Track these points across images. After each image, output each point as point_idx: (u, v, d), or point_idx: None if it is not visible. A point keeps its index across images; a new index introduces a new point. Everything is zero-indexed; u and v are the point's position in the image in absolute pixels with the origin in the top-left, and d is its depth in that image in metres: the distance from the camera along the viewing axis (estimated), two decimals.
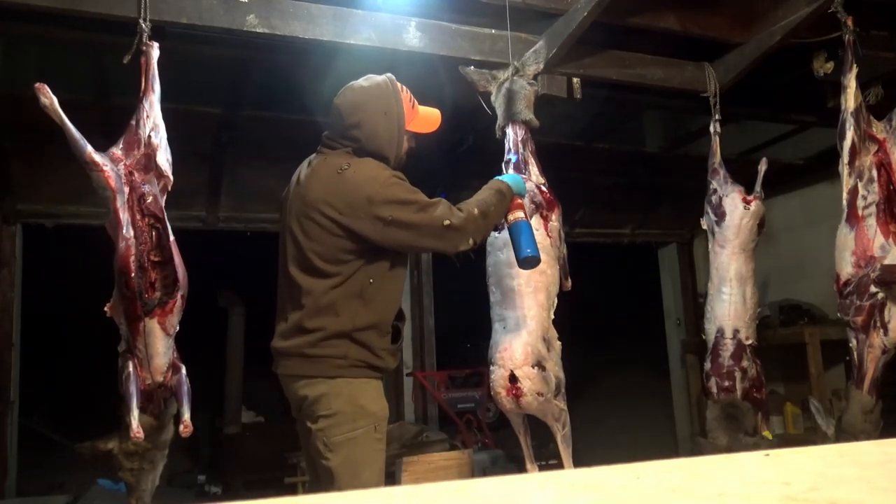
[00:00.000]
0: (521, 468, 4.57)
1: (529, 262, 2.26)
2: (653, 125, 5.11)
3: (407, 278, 5.03)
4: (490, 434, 5.37)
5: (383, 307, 2.16)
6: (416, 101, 2.33)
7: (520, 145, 2.92)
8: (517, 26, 3.10)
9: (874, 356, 3.02)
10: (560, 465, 2.84)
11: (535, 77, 3.01)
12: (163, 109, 2.54)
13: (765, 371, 3.54)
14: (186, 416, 2.48)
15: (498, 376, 2.66)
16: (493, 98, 3.02)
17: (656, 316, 6.55)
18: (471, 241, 2.15)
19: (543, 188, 2.89)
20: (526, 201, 2.51)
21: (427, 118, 2.37)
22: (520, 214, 2.30)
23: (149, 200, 2.45)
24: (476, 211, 2.16)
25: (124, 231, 2.35)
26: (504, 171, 2.89)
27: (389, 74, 2.28)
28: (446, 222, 2.10)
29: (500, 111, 2.98)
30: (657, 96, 3.85)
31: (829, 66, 3.24)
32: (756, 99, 4.04)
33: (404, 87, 2.28)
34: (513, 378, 2.61)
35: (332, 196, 2.10)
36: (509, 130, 2.96)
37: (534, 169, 2.93)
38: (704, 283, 4.68)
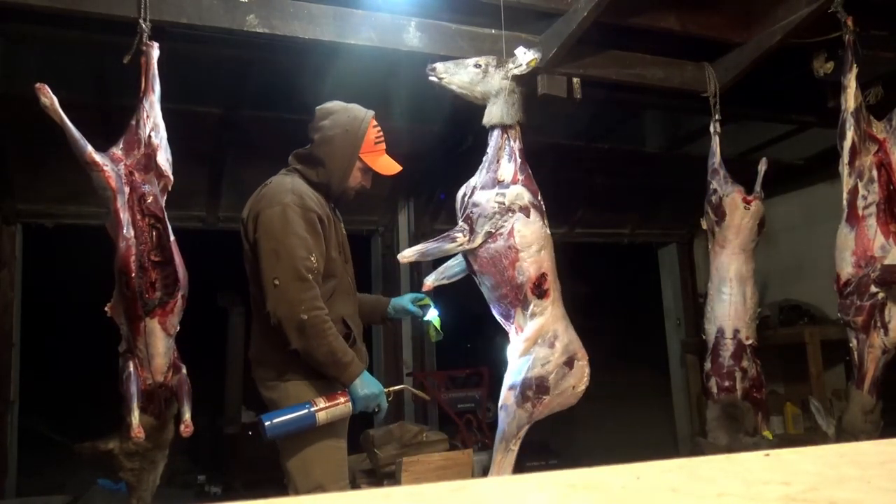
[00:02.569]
0: (521, 468, 4.57)
1: (259, 423, 2.08)
2: (653, 125, 5.12)
3: (408, 279, 5.03)
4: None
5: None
6: (384, 144, 2.39)
7: (491, 151, 2.83)
8: (517, 26, 3.10)
9: (874, 356, 3.02)
10: (560, 466, 2.84)
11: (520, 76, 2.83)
12: (163, 109, 2.54)
13: (765, 371, 3.54)
14: (187, 415, 2.48)
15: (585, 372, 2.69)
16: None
17: (656, 316, 6.55)
18: (276, 317, 2.09)
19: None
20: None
21: (386, 164, 2.40)
22: (319, 404, 2.09)
23: (149, 200, 2.45)
24: (304, 317, 2.06)
25: (125, 231, 2.35)
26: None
27: (372, 112, 2.39)
28: (275, 281, 2.09)
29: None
30: (657, 96, 3.85)
31: (829, 66, 3.24)
32: (756, 99, 4.05)
33: (378, 127, 2.37)
34: None
35: (247, 210, 2.26)
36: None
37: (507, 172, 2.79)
38: (704, 283, 4.68)
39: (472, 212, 2.68)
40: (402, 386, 2.55)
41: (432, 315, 2.56)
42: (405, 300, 2.63)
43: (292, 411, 2.10)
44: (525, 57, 2.77)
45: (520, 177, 2.77)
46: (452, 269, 2.74)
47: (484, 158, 2.83)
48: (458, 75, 2.76)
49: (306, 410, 2.08)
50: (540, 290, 2.69)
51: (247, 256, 2.30)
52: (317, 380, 2.20)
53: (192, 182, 4.20)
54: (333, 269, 2.27)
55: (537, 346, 2.69)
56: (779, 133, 4.79)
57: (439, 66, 2.76)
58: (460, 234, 2.63)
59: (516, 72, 2.78)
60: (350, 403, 2.13)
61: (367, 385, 2.15)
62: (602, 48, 3.22)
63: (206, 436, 6.17)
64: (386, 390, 2.22)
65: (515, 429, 2.72)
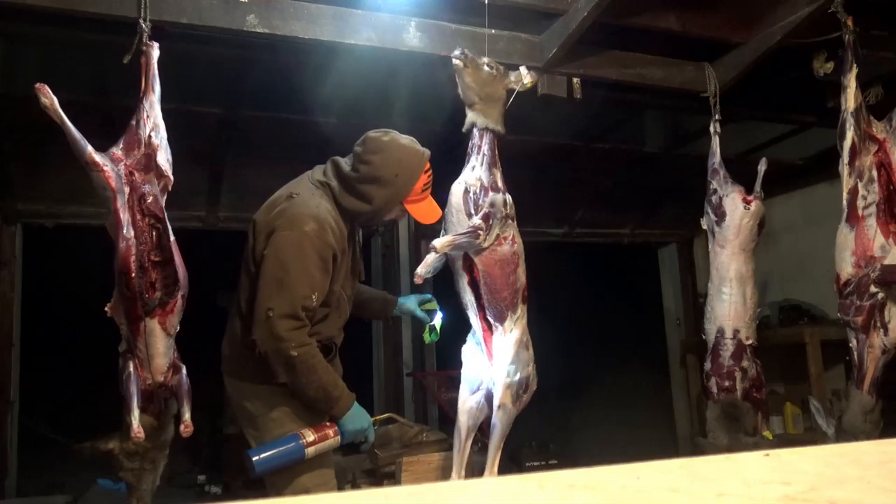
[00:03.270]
0: (521, 468, 4.57)
1: (247, 459, 2.06)
2: (653, 125, 5.12)
3: (408, 279, 5.02)
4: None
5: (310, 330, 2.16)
6: (430, 190, 2.32)
7: (488, 154, 2.81)
8: (517, 26, 3.10)
9: (874, 356, 3.02)
10: (560, 466, 2.84)
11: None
12: (163, 109, 2.54)
13: (765, 371, 3.54)
14: (187, 415, 2.48)
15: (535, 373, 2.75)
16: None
17: (656, 316, 6.54)
18: (261, 348, 2.05)
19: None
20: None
21: (427, 211, 2.34)
22: (308, 438, 2.07)
23: (149, 200, 2.45)
24: (293, 353, 2.01)
25: (125, 231, 2.35)
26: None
27: (428, 152, 2.30)
28: (269, 312, 2.02)
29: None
30: (657, 96, 3.85)
31: (829, 66, 3.23)
32: (756, 99, 4.05)
33: (430, 172, 2.29)
34: None
35: (263, 217, 2.18)
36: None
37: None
38: (704, 283, 4.67)
39: (489, 211, 2.68)
40: (387, 415, 2.56)
41: (438, 320, 2.55)
42: (412, 303, 2.61)
43: (280, 445, 2.05)
44: (526, 77, 2.80)
45: (502, 186, 2.81)
46: (436, 261, 2.72)
47: (479, 159, 2.79)
48: (478, 71, 2.75)
49: (294, 444, 2.04)
50: (524, 297, 2.77)
51: (247, 256, 2.27)
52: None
53: (192, 182, 4.20)
54: (332, 300, 2.22)
55: (521, 349, 2.74)
56: (779, 133, 4.79)
57: (469, 53, 2.73)
58: (481, 232, 2.63)
59: (513, 86, 2.80)
60: (339, 437, 2.11)
61: (356, 419, 2.12)
62: (602, 48, 3.22)
63: (206, 436, 6.17)
64: (374, 419, 2.21)
65: (509, 427, 2.76)
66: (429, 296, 2.61)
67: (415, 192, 2.25)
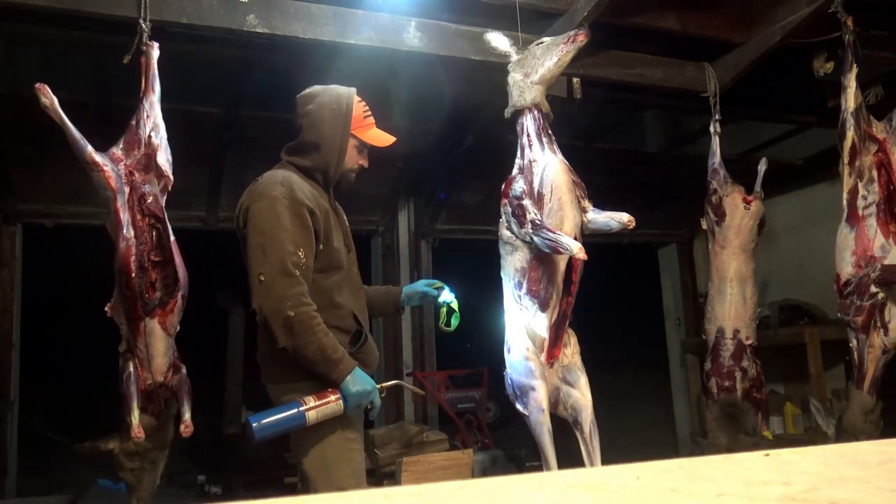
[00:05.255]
0: (521, 468, 4.57)
1: (248, 425, 2.01)
2: (653, 125, 5.12)
3: (408, 279, 5.01)
4: (490, 434, 5.37)
5: (330, 312, 2.12)
6: (373, 118, 2.33)
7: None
8: (517, 26, 3.10)
9: (874, 356, 3.02)
10: (560, 466, 2.83)
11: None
12: (163, 109, 2.54)
13: (765, 371, 3.54)
14: (187, 415, 2.48)
15: None
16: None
17: (656, 316, 6.55)
18: (260, 314, 2.02)
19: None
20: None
21: (378, 135, 2.33)
22: (308, 403, 2.01)
23: (149, 200, 2.45)
24: (290, 313, 1.97)
25: (125, 231, 2.35)
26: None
27: (354, 89, 2.31)
28: (260, 276, 2.01)
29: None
30: (657, 96, 3.85)
31: (829, 66, 3.24)
32: (756, 99, 4.05)
33: (364, 103, 2.31)
34: None
35: (238, 206, 2.18)
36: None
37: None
38: (704, 283, 4.68)
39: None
40: (395, 382, 2.48)
41: (447, 297, 2.45)
42: (418, 284, 2.54)
43: (280, 411, 2.01)
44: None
45: None
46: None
47: (550, 140, 2.70)
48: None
49: (295, 410, 1.99)
50: None
51: (242, 252, 2.24)
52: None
53: (192, 182, 4.20)
54: (339, 260, 2.20)
55: None
56: (779, 133, 4.79)
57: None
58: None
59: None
60: (341, 401, 2.03)
61: (358, 381, 2.05)
62: (602, 48, 3.22)
63: (206, 436, 6.17)
64: (379, 386, 2.15)
65: None
66: (434, 280, 2.53)
67: (357, 119, 2.25)
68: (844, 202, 3.12)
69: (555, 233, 2.39)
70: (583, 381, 2.62)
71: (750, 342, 3.46)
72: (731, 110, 3.74)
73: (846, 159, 3.08)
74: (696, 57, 3.47)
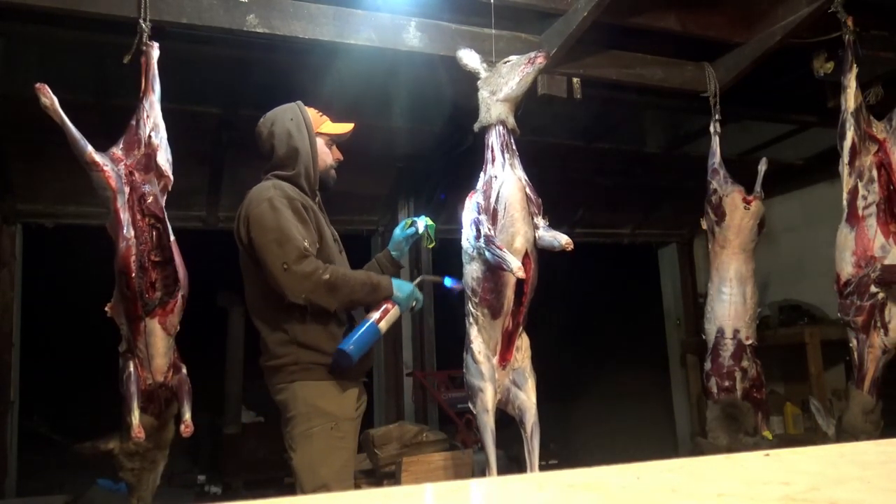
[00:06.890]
0: (521, 468, 4.57)
1: (340, 354, 2.22)
2: (653, 125, 5.11)
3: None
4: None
5: (325, 311, 2.25)
6: (326, 116, 2.50)
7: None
8: (517, 26, 3.10)
9: (874, 356, 3.02)
10: (560, 466, 2.84)
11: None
12: (163, 109, 2.54)
13: (765, 371, 3.54)
14: (187, 415, 2.48)
15: None
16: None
17: (656, 316, 6.55)
18: (302, 298, 2.18)
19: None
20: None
21: (338, 126, 2.51)
22: (374, 316, 2.30)
23: (149, 200, 2.45)
24: (326, 277, 2.18)
25: (125, 231, 2.35)
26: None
27: (298, 101, 2.48)
28: (285, 266, 2.16)
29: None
30: (657, 96, 3.85)
31: (829, 66, 3.23)
32: (756, 99, 4.04)
33: (311, 107, 2.48)
34: None
35: (237, 217, 2.34)
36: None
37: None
38: (704, 283, 4.68)
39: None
40: (420, 277, 2.71)
41: (426, 223, 2.65)
42: (396, 236, 2.66)
43: (359, 331, 2.24)
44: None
45: None
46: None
47: (512, 155, 2.74)
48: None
49: (369, 324, 2.26)
50: None
51: (242, 260, 2.34)
52: (324, 380, 2.24)
53: (192, 182, 4.20)
54: (330, 257, 2.33)
55: None
56: (779, 133, 4.78)
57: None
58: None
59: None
60: (397, 306, 2.34)
61: (401, 288, 2.36)
62: (602, 48, 3.22)
63: (206, 436, 6.17)
64: (415, 283, 2.47)
65: None
66: (407, 219, 2.70)
67: (314, 118, 2.44)
68: (844, 202, 3.12)
69: (501, 249, 2.49)
70: (530, 384, 2.73)
71: (750, 342, 3.45)
72: (731, 110, 3.73)
73: (846, 159, 3.08)
74: (696, 57, 3.47)
